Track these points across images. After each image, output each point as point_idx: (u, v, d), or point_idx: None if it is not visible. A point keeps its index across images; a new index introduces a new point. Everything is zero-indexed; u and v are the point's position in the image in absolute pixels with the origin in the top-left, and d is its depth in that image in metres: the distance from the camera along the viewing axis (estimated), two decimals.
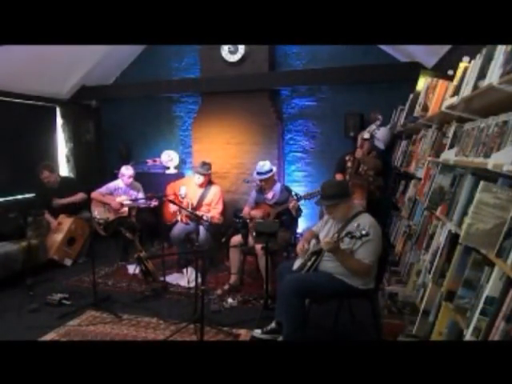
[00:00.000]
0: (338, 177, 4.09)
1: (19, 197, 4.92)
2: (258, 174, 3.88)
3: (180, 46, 5.40)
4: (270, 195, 3.93)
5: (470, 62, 1.90)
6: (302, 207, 3.87)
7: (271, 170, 3.89)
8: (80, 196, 4.62)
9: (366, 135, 3.89)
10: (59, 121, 5.66)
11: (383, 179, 4.04)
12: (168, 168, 5.54)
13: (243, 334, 2.86)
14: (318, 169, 5.16)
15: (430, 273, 2.00)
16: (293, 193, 3.97)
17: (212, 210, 4.19)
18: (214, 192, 4.30)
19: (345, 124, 4.83)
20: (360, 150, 3.87)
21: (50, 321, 3.05)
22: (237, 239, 3.71)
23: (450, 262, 1.74)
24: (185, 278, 3.81)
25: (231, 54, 4.98)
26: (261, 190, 4.00)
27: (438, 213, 2.06)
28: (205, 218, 3.93)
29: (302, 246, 2.70)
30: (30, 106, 5.16)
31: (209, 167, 4.26)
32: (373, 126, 3.90)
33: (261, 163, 3.89)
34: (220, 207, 4.27)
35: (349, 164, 4.09)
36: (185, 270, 4.00)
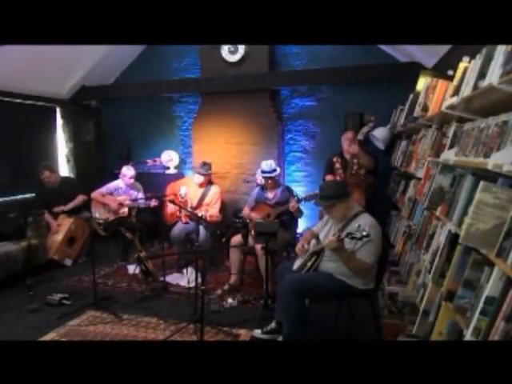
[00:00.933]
0: (329, 178, 4.10)
1: (19, 197, 4.92)
2: (263, 172, 3.88)
3: (180, 45, 5.40)
4: (271, 195, 3.94)
5: (469, 61, 1.90)
6: (302, 208, 3.87)
7: (276, 170, 3.90)
8: (80, 199, 4.63)
9: (360, 136, 3.96)
10: (59, 121, 5.67)
11: (374, 177, 4.05)
12: (168, 168, 5.54)
13: (243, 334, 2.86)
14: (317, 169, 5.15)
15: (429, 273, 2.00)
16: (293, 193, 3.97)
17: (210, 210, 4.20)
18: (213, 192, 4.30)
19: (345, 124, 4.83)
20: (355, 145, 3.89)
21: (50, 321, 3.05)
22: (237, 239, 3.72)
23: (450, 262, 1.74)
24: (185, 278, 3.81)
25: (231, 53, 4.98)
26: (263, 189, 4.00)
27: (437, 213, 2.06)
28: (203, 215, 3.93)
29: (301, 246, 2.70)
30: (30, 106, 5.16)
31: (209, 167, 4.27)
32: (365, 128, 3.97)
33: (267, 162, 3.89)
34: (217, 206, 4.27)
35: (337, 165, 4.10)
36: (185, 270, 4.01)
